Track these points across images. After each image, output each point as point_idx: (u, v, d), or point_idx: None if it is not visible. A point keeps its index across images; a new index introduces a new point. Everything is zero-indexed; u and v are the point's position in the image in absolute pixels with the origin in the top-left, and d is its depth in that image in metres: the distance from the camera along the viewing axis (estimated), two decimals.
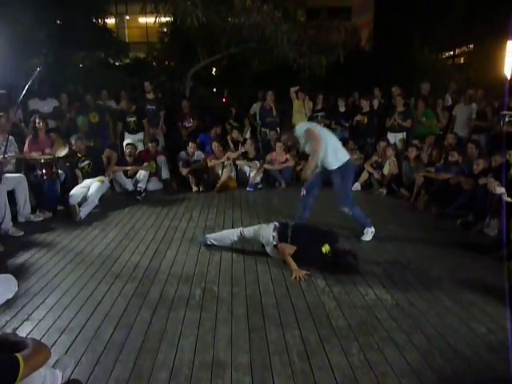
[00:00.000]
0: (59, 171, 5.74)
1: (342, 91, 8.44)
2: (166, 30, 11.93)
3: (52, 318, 2.85)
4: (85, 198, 5.45)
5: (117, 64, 11.66)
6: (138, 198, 6.21)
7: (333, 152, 4.22)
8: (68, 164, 6.05)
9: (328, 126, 7.99)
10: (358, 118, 7.60)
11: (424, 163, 6.39)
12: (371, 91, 8.02)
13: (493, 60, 9.93)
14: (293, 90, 8.02)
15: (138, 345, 2.54)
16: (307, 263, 3.68)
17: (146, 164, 6.58)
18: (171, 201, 6.18)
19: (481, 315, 2.89)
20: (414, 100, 7.64)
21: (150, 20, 11.95)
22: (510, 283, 3.26)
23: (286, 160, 7.23)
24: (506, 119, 6.11)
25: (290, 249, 3.67)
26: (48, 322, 2.81)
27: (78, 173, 5.90)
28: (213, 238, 4.23)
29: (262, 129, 8.32)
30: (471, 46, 15.21)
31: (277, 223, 3.91)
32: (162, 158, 7.16)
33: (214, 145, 7.24)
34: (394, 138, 7.32)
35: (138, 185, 6.35)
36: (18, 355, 1.58)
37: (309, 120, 7.96)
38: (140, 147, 7.18)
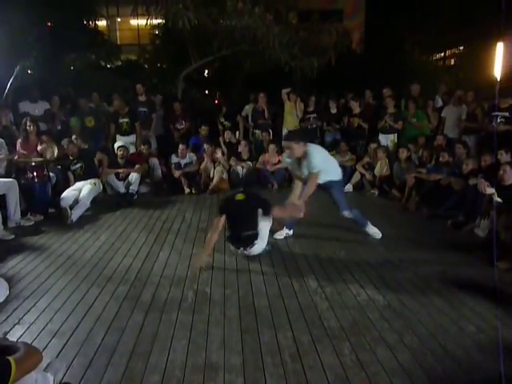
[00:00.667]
0: (50, 174, 5.71)
1: (334, 93, 8.49)
2: (157, 32, 11.93)
3: (43, 322, 2.83)
4: (76, 201, 5.42)
5: (108, 66, 11.62)
6: (130, 200, 6.18)
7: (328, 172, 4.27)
8: (60, 167, 6.02)
9: (320, 128, 8.09)
10: (351, 119, 7.62)
11: (415, 164, 6.45)
12: (362, 93, 8.07)
13: (483, 62, 10.04)
14: (284, 91, 8.05)
15: (129, 348, 2.53)
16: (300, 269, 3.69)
17: (137, 166, 6.56)
18: (163, 203, 6.16)
19: (471, 314, 2.92)
20: (404, 101, 7.71)
21: (142, 22, 11.90)
22: (499, 283, 3.30)
23: (279, 162, 7.25)
24: (498, 120, 6.20)
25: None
26: (39, 325, 2.79)
27: (70, 175, 5.87)
28: None
29: (255, 130, 8.34)
30: (461, 47, 15.34)
31: None
32: (154, 160, 7.15)
33: (206, 146, 7.25)
34: (386, 139, 7.37)
35: (130, 187, 6.32)
36: (10, 358, 1.57)
37: (300, 122, 8.02)
38: (132, 149, 7.16)
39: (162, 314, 2.94)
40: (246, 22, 7.78)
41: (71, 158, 5.94)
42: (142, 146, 7.16)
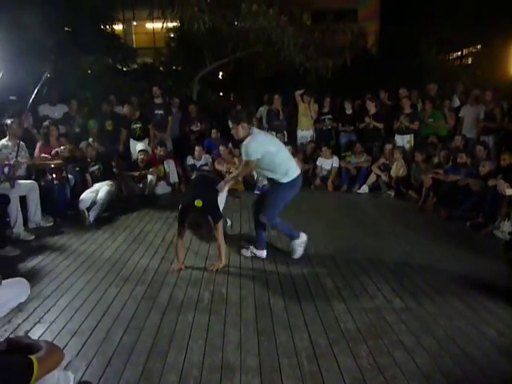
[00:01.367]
0: (69, 176, 5.81)
1: (349, 94, 8.43)
2: (172, 35, 12.03)
3: (63, 321, 2.88)
4: (94, 203, 5.50)
5: (124, 69, 11.78)
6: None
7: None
8: (78, 169, 6.13)
9: (335, 129, 8.05)
10: (367, 120, 7.53)
11: (432, 165, 6.37)
12: (378, 93, 8.00)
13: (501, 60, 9.87)
14: (298, 93, 8.03)
15: (147, 347, 2.56)
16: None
17: (153, 168, 6.63)
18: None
19: (491, 318, 2.87)
20: (421, 101, 7.61)
21: (157, 25, 12.03)
22: None
23: None
24: None
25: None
26: (59, 324, 2.84)
27: (88, 177, 5.97)
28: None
29: (269, 132, 8.33)
30: (479, 46, 15.08)
31: None
32: (170, 162, 7.21)
33: (222, 149, 7.28)
34: (402, 139, 7.29)
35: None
36: (32, 357, 1.59)
37: (315, 123, 8.00)
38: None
39: (178, 315, 2.96)
40: (260, 24, 7.78)
41: (89, 159, 6.06)
42: (159, 148, 7.23)
